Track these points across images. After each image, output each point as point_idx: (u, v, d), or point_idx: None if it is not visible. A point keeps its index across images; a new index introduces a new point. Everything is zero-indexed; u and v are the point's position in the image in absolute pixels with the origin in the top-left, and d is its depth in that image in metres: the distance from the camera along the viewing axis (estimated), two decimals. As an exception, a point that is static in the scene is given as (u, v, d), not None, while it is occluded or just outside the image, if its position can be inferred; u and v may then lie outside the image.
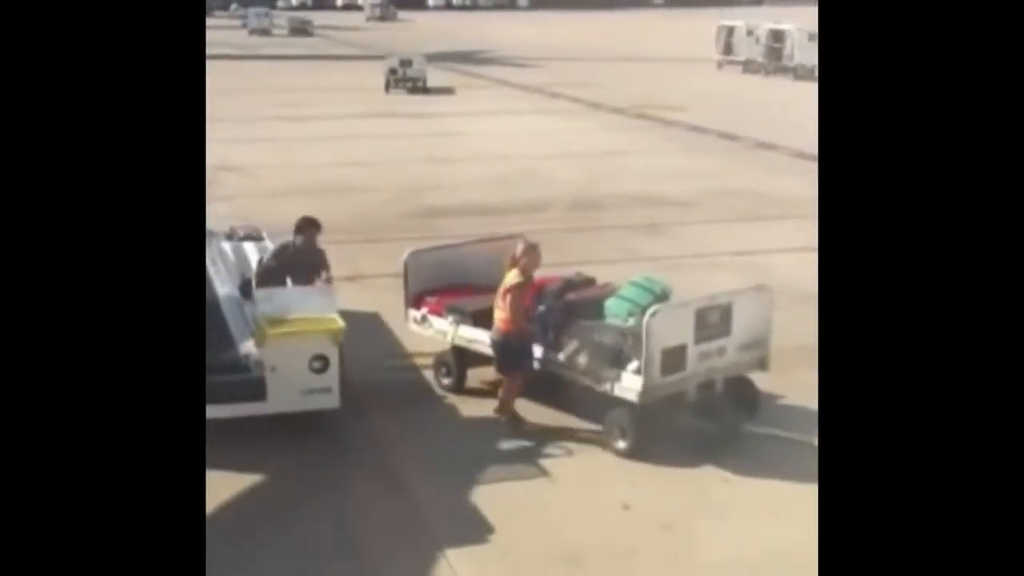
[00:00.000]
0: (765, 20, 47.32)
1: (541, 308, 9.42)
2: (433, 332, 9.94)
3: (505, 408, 9.08)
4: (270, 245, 11.61)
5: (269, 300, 8.77)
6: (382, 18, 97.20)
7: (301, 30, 71.71)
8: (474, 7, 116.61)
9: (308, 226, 9.91)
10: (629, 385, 8.33)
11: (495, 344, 9.05)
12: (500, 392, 9.16)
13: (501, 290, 8.89)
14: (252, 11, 76.21)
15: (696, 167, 22.29)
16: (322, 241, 9.69)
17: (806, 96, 26.53)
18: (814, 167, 3.94)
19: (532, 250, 8.98)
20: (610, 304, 9.13)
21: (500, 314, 8.89)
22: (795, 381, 9.44)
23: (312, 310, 8.66)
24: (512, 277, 8.85)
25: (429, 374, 10.06)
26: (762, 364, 9.04)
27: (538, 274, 10.17)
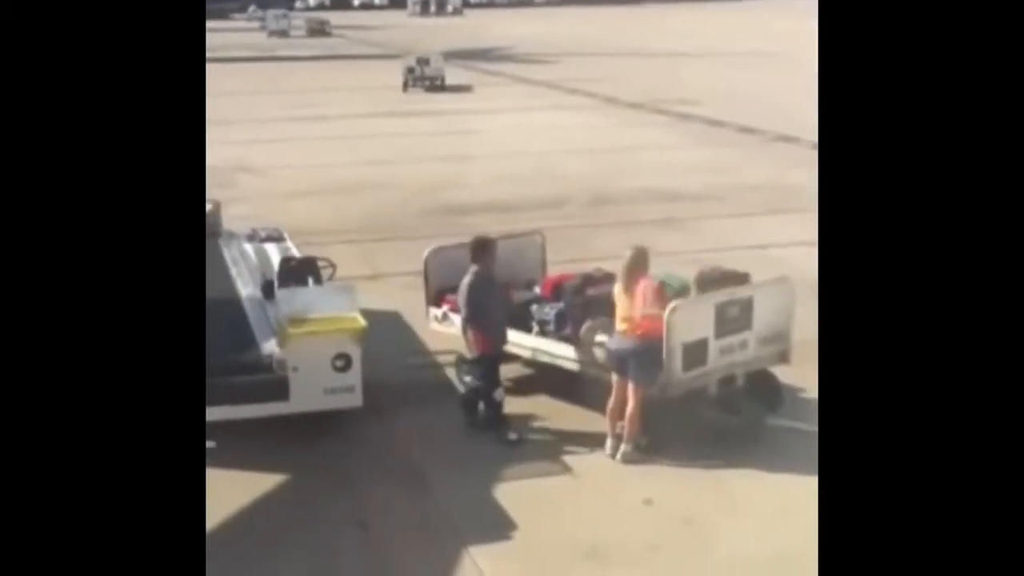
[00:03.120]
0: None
1: (560, 304, 9.43)
2: (454, 330, 9.95)
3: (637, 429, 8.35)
4: (291, 246, 11.68)
5: (291, 300, 8.81)
6: (435, 14, 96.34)
7: (319, 31, 71.87)
8: (491, 5, 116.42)
9: (486, 248, 8.99)
10: (650, 380, 8.33)
11: (647, 352, 8.22)
12: (632, 412, 8.27)
13: (637, 294, 8.26)
14: (270, 13, 76.45)
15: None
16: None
17: None
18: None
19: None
20: None
21: (647, 315, 8.19)
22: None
23: (333, 309, 8.70)
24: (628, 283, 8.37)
25: (451, 372, 10.08)
26: (784, 357, 9.01)
27: (557, 270, 10.20)
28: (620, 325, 8.35)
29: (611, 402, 8.46)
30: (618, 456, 8.30)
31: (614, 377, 8.46)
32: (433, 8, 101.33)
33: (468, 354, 9.10)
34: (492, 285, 8.90)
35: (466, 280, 8.81)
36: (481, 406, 8.91)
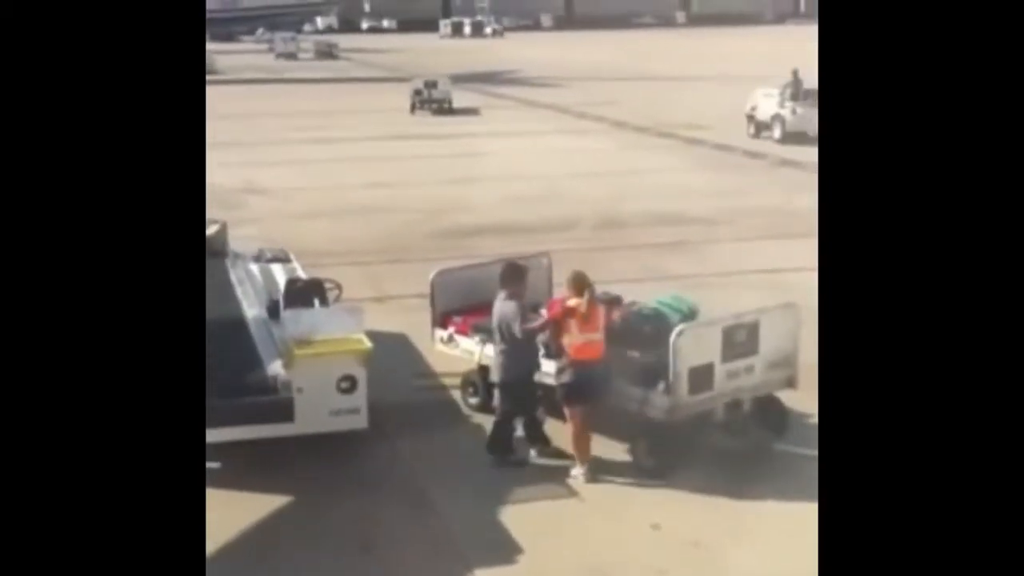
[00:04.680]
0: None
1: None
2: (460, 352, 9.94)
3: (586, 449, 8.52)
4: (297, 267, 11.68)
5: (296, 321, 8.80)
6: (472, 35, 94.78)
7: (327, 53, 72.21)
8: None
9: (517, 276, 8.88)
10: (656, 404, 8.30)
11: (603, 376, 8.41)
12: (580, 434, 8.45)
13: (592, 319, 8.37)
14: (279, 35, 76.80)
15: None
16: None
17: None
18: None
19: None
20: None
21: (587, 339, 8.33)
22: (824, 399, 9.34)
23: (339, 331, 8.69)
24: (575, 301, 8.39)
25: (456, 393, 10.06)
26: (790, 382, 8.98)
27: (564, 294, 10.18)
28: (579, 354, 8.29)
29: (576, 431, 8.43)
30: (580, 478, 8.33)
31: (569, 407, 8.42)
32: (468, 30, 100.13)
33: (498, 377, 8.84)
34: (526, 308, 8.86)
35: (514, 305, 8.62)
36: (519, 428, 8.82)
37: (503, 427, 8.81)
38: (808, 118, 25.27)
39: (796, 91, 27.44)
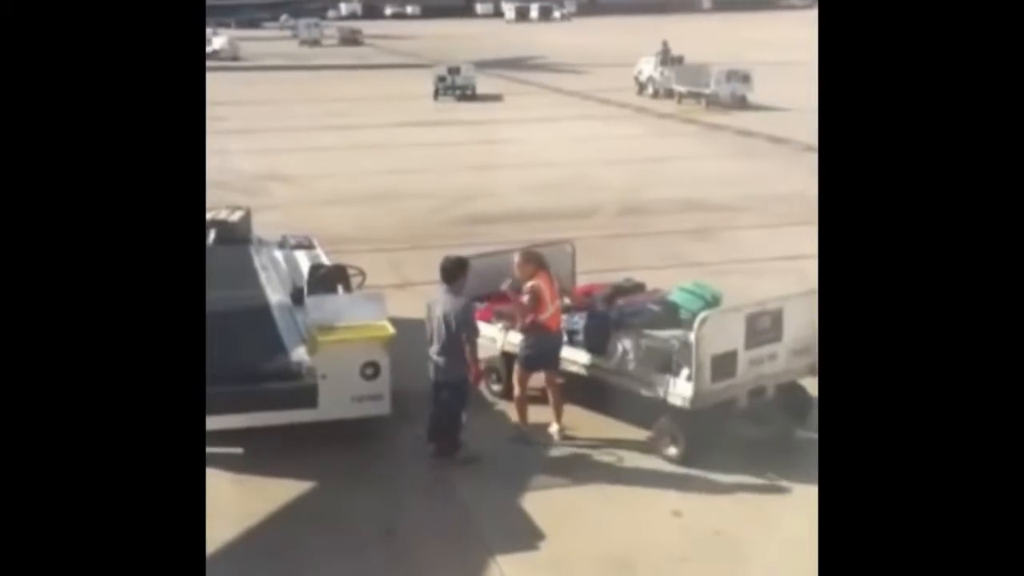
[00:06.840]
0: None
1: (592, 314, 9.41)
2: (482, 338, 9.93)
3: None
4: (321, 253, 11.72)
5: (320, 307, 8.84)
6: (539, 19, 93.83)
7: (351, 40, 72.27)
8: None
9: (460, 271, 8.56)
10: (680, 391, 8.29)
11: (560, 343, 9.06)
12: (560, 395, 9.08)
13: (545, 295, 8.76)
14: (302, 22, 76.91)
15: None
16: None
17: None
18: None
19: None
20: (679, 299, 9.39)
21: (554, 310, 8.88)
22: (848, 387, 9.30)
23: (363, 317, 8.72)
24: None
25: (479, 381, 10.07)
26: (814, 370, 8.94)
27: (587, 280, 10.20)
28: (552, 323, 8.84)
29: (519, 393, 8.97)
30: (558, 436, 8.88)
31: (524, 372, 8.95)
32: (535, 14, 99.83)
33: (444, 378, 8.51)
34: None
35: (464, 303, 8.48)
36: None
37: (452, 423, 8.55)
38: (670, 78, 35.33)
39: (665, 58, 36.54)
